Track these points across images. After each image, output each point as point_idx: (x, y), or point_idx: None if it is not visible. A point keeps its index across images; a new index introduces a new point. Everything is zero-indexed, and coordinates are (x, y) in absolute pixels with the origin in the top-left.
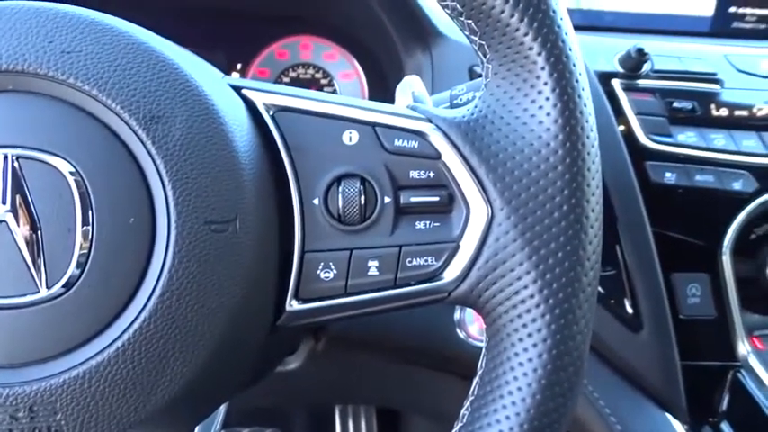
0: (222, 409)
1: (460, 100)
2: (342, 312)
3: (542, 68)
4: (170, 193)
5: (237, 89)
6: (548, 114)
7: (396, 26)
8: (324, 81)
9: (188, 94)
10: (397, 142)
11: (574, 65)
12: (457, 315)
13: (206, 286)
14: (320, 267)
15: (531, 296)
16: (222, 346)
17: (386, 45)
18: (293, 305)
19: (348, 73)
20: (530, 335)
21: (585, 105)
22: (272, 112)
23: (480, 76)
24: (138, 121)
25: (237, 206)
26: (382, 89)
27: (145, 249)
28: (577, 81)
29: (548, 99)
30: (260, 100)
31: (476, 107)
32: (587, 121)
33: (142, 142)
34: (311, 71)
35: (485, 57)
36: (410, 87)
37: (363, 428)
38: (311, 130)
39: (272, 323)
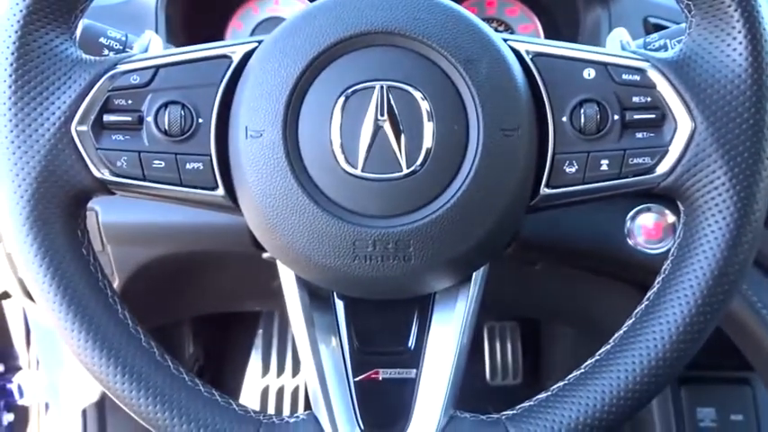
0: None
1: (654, 45)
2: (579, 197)
3: (737, 21)
4: (479, 110)
5: (504, 41)
6: (740, 54)
7: None
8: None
9: (489, 44)
10: (624, 76)
11: (762, 19)
12: (627, 226)
13: (501, 171)
14: (566, 164)
15: (723, 184)
16: (505, 214)
17: (564, 2)
18: (545, 190)
19: (527, 26)
20: (720, 211)
21: None
22: (530, 56)
23: (655, 26)
24: (460, 62)
25: (519, 119)
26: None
27: (462, 145)
28: (764, 30)
29: (740, 43)
30: (523, 48)
31: (681, 50)
32: None
33: (462, 77)
34: (494, 24)
35: (689, 12)
36: (619, 37)
37: (509, 345)
38: (561, 68)
39: (527, 204)
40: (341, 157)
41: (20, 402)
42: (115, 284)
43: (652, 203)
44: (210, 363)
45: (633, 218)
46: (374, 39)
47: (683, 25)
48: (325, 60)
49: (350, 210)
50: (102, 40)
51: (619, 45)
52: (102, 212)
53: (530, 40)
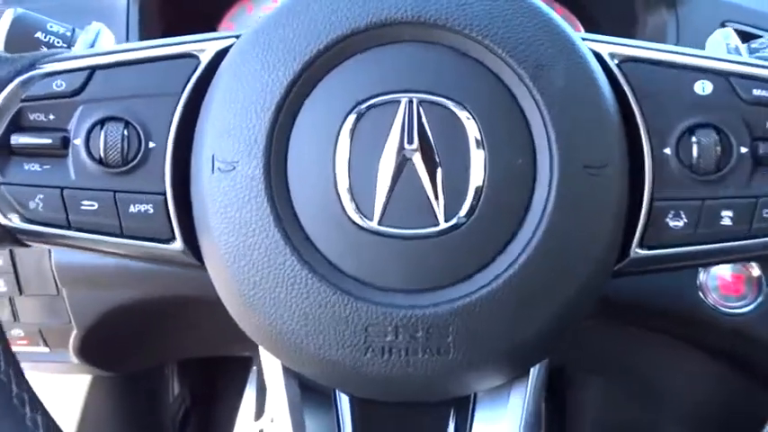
0: None
1: (763, 53)
2: (688, 261)
3: None
4: (552, 137)
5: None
6: None
7: None
8: None
9: (567, 45)
10: (756, 92)
11: None
12: (700, 278)
13: (580, 227)
14: (669, 215)
15: None
16: (583, 285)
17: (614, 6)
18: (638, 252)
19: None
20: None
21: None
22: (617, 62)
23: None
24: (525, 69)
25: (609, 152)
26: None
27: (528, 188)
28: None
29: None
30: (605, 50)
31: None
32: None
33: (528, 89)
34: None
35: None
36: (725, 39)
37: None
38: (660, 79)
39: (612, 269)
40: (349, 204)
41: None
42: (73, 334)
43: None
44: (198, 405)
45: (707, 268)
46: (400, 32)
47: None
48: (327, 62)
49: (361, 280)
50: (39, 35)
51: (725, 51)
52: (56, 251)
53: (615, 40)
